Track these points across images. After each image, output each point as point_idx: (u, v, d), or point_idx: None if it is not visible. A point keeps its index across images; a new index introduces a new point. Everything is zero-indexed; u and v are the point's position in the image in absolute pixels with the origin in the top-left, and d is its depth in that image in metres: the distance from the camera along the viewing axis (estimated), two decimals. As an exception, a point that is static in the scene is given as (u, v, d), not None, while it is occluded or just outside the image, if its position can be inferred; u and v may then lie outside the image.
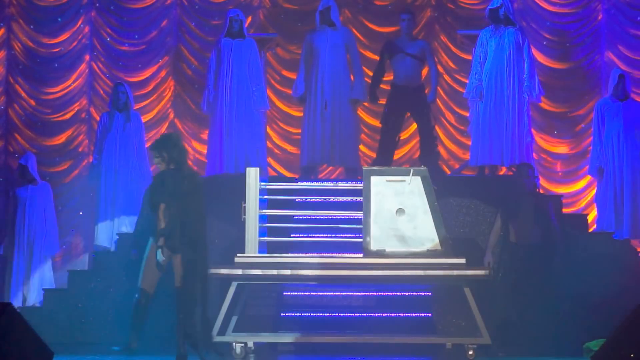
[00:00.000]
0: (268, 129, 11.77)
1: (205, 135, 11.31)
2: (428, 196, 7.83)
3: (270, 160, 11.72)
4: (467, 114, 10.83)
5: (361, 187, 7.96)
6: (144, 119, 11.21)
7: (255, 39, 10.73)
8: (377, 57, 10.95)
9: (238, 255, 7.80)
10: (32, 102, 12.34)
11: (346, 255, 7.96)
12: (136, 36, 12.43)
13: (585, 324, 8.87)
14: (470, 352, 7.67)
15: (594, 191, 10.89)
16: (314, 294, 9.18)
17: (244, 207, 7.84)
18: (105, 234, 10.26)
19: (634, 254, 9.74)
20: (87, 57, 12.40)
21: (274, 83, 12.24)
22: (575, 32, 12.12)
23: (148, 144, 11.19)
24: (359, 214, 7.91)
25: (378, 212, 7.80)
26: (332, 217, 8.33)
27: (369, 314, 9.04)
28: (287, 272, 7.70)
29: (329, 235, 8.58)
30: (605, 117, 10.29)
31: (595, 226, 10.53)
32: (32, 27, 12.41)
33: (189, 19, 12.44)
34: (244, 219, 7.83)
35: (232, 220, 9.48)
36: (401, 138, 11.05)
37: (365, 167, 8.07)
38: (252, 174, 7.90)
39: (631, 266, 9.51)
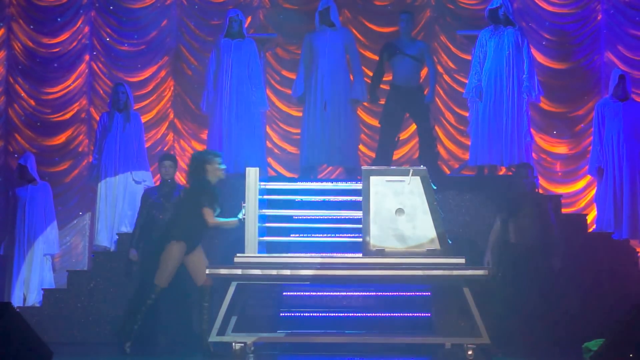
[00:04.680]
0: (268, 129, 11.77)
1: (205, 135, 11.32)
2: (427, 196, 7.82)
3: (270, 160, 11.72)
4: (467, 114, 10.85)
5: (360, 187, 7.96)
6: (144, 119, 11.21)
7: (255, 39, 10.74)
8: (376, 57, 10.95)
9: (238, 255, 7.80)
10: (32, 102, 12.35)
11: (346, 255, 7.95)
12: (136, 36, 12.43)
13: (584, 324, 8.88)
14: (470, 352, 7.66)
15: (594, 191, 10.90)
16: (314, 293, 9.18)
17: (244, 207, 7.84)
18: (105, 234, 10.26)
19: (633, 254, 9.74)
20: (87, 57, 12.41)
21: (274, 83, 12.24)
22: (574, 33, 12.12)
23: (148, 144, 11.22)
24: (358, 214, 7.92)
25: (377, 212, 7.80)
26: (332, 217, 8.33)
27: (368, 314, 9.04)
28: (287, 272, 7.70)
29: (328, 235, 8.58)
30: (606, 118, 10.31)
31: (594, 226, 10.54)
32: (32, 27, 12.41)
33: (189, 19, 12.45)
34: (244, 219, 7.84)
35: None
36: (401, 138, 11.07)
37: (364, 167, 8.06)
38: (252, 174, 7.90)
39: (630, 266, 9.52)
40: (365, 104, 11.40)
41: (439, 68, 11.87)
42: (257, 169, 7.97)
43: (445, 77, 12.21)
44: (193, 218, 8.21)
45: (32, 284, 10.61)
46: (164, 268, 8.22)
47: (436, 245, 7.75)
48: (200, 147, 12.06)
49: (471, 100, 10.38)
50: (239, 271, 7.69)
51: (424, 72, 10.83)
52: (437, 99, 11.84)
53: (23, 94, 12.34)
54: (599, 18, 12.10)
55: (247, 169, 7.97)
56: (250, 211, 7.83)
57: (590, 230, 10.32)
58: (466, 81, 10.62)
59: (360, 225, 7.85)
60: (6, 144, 12.29)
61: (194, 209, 8.20)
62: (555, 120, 12.13)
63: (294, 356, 8.35)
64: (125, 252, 9.27)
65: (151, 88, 12.34)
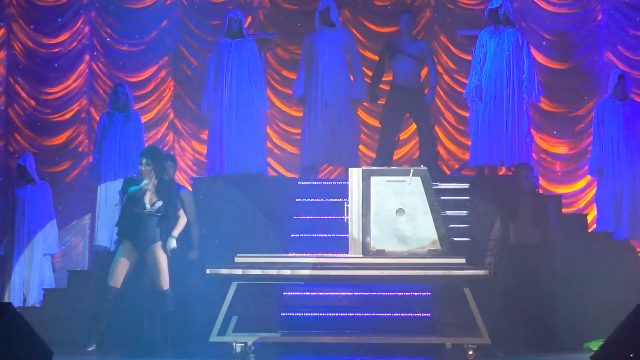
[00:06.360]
0: (268, 129, 11.76)
1: (205, 135, 11.31)
2: (428, 196, 7.82)
3: (270, 160, 11.72)
4: (467, 114, 10.84)
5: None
6: (144, 119, 11.21)
7: (255, 39, 10.73)
8: (376, 57, 10.96)
9: (238, 255, 7.80)
10: (32, 102, 12.35)
11: (346, 255, 7.95)
12: (136, 36, 12.43)
13: (585, 324, 8.87)
14: (470, 352, 7.66)
15: (594, 191, 10.90)
16: (314, 293, 9.18)
17: (347, 207, 7.84)
18: (105, 234, 10.26)
19: (633, 254, 9.74)
20: (87, 57, 12.41)
21: (274, 83, 12.24)
22: (574, 33, 12.13)
23: (148, 144, 11.21)
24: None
25: (378, 212, 7.80)
26: (332, 217, 8.34)
27: (368, 314, 9.04)
28: (287, 272, 7.70)
29: (328, 234, 8.60)
30: (605, 118, 10.30)
31: (595, 226, 10.54)
32: (32, 27, 12.41)
33: (189, 19, 12.44)
34: (347, 220, 7.82)
35: (231, 220, 9.49)
36: (401, 138, 11.07)
37: (364, 167, 8.06)
38: (355, 174, 7.88)
39: (631, 266, 9.52)
40: (365, 104, 11.41)
41: (439, 68, 11.87)
42: (360, 169, 7.93)
43: (445, 77, 12.21)
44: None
45: (32, 284, 10.60)
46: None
47: (437, 246, 7.76)
48: (200, 147, 12.07)
49: (471, 100, 10.38)
50: (239, 271, 7.69)
51: (424, 72, 10.83)
52: (437, 99, 11.83)
53: (23, 94, 12.34)
54: (598, 18, 12.10)
55: (350, 169, 7.96)
56: (354, 212, 7.79)
57: (590, 230, 10.31)
58: (466, 81, 10.62)
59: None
60: (6, 144, 12.29)
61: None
62: (555, 120, 12.13)
63: (294, 356, 8.35)
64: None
65: (151, 88, 12.34)
